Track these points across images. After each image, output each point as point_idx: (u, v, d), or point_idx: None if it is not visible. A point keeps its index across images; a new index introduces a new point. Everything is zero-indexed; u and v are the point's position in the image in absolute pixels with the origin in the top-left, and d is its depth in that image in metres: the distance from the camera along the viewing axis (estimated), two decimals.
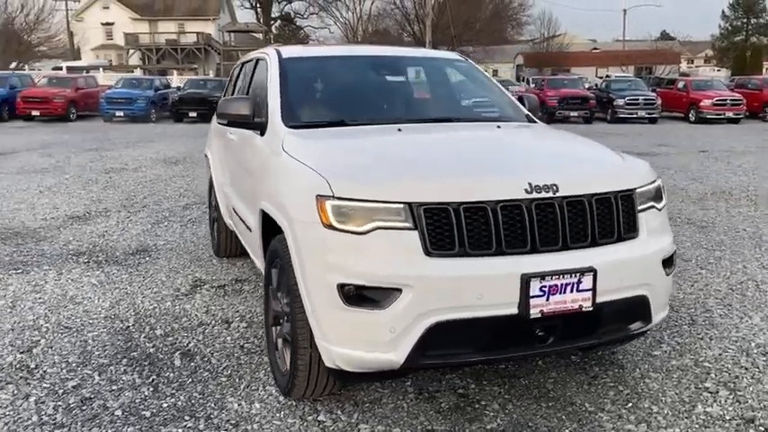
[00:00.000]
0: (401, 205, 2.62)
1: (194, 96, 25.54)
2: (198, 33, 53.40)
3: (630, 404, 3.14)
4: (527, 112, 4.29)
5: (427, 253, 2.61)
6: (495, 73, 50.05)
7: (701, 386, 3.31)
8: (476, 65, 4.68)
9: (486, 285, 2.62)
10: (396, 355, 2.63)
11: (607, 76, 32.86)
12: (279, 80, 3.95)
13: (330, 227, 2.66)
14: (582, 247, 2.80)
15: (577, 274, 2.70)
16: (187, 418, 3.02)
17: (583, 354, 3.66)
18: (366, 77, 4.37)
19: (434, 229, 2.62)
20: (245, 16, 63.12)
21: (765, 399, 3.18)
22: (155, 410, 3.08)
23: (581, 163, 3.27)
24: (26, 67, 39.71)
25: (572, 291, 2.70)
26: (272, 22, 62.65)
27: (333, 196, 2.67)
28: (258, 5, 60.75)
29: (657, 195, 3.17)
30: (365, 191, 2.67)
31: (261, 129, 3.74)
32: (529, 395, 3.24)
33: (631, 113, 23.87)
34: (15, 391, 3.25)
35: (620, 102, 24.20)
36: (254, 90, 4.40)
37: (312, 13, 61.54)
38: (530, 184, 2.72)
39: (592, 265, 2.73)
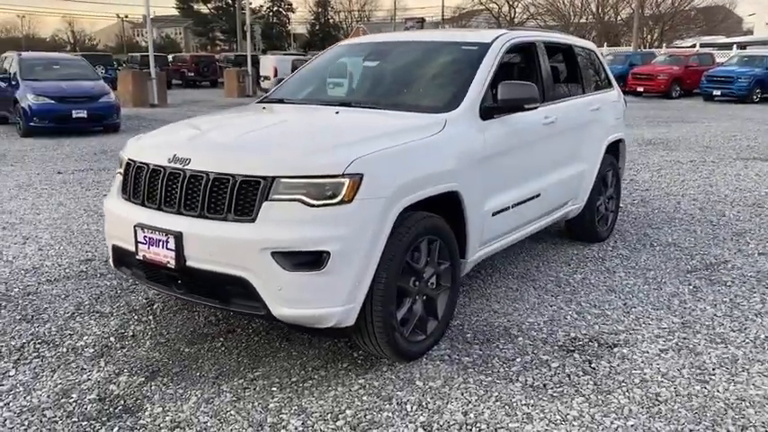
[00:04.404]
0: (126, 158, 3.66)
1: None
2: None
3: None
4: (464, 104, 3.77)
5: (120, 194, 3.61)
6: None
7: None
8: (489, 52, 4.05)
9: (120, 225, 3.47)
10: (111, 261, 3.76)
11: None
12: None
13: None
14: (192, 215, 3.17)
15: (165, 234, 3.17)
16: None
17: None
18: (353, 63, 4.74)
19: (126, 178, 3.59)
20: None
21: None
22: None
23: (265, 147, 3.37)
24: (663, 46, 41.77)
25: (163, 247, 3.20)
26: None
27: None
28: None
29: (321, 193, 2.98)
30: (125, 148, 3.80)
31: None
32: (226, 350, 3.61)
33: None
34: None
35: None
36: None
37: None
38: (174, 155, 3.28)
39: (180, 230, 3.12)
